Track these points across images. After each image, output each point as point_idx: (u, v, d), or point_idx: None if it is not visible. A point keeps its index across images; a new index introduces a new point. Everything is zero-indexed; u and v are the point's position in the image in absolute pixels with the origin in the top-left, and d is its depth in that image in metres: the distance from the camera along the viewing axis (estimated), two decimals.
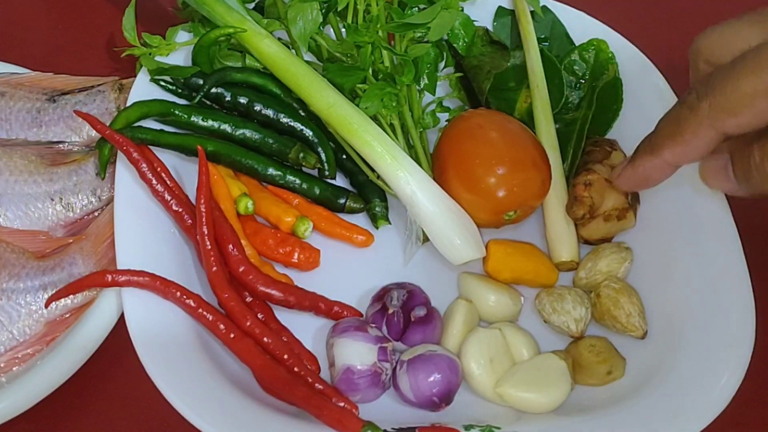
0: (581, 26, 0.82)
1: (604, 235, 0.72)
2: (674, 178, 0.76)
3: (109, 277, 0.65)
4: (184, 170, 0.74)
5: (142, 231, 0.69)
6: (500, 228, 0.73)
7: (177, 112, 0.74)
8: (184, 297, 0.65)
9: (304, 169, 0.76)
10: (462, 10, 0.79)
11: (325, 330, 0.68)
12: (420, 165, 0.72)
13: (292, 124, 0.75)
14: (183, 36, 0.78)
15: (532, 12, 0.81)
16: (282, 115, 0.76)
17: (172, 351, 0.63)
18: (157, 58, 0.77)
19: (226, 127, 0.74)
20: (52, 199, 0.75)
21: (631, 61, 0.80)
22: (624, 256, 0.71)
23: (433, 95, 0.79)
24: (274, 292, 0.68)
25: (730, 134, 0.55)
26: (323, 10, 0.74)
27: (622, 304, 0.68)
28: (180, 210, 0.69)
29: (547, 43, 0.82)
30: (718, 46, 0.60)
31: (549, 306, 0.69)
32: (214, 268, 0.67)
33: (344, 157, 0.77)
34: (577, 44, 0.81)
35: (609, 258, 0.71)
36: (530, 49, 0.77)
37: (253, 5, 0.79)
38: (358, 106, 0.72)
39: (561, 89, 0.78)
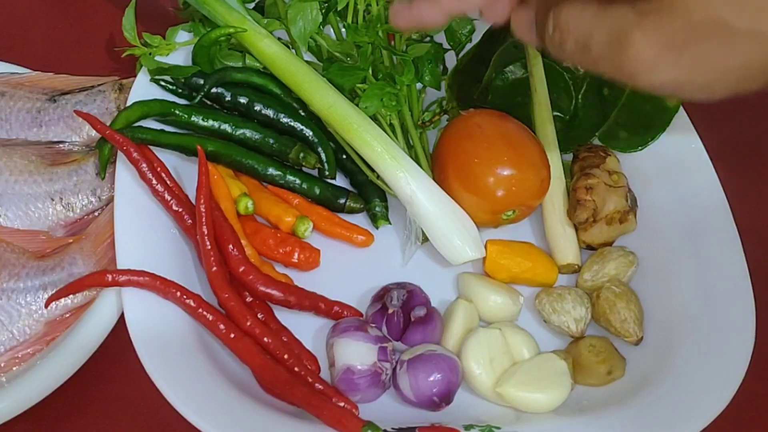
0: None
1: (606, 240, 0.72)
2: (674, 177, 0.76)
3: (109, 277, 0.65)
4: (184, 170, 0.74)
5: (142, 231, 0.69)
6: (499, 227, 0.73)
7: (177, 112, 0.74)
8: (184, 297, 0.65)
9: (304, 169, 0.76)
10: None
11: (325, 330, 0.68)
12: (420, 165, 0.72)
13: (292, 124, 0.75)
14: (183, 36, 0.78)
15: None
16: (282, 115, 0.76)
17: (172, 351, 0.63)
18: (157, 58, 0.77)
19: (226, 127, 0.75)
20: (52, 199, 0.75)
21: None
22: (631, 260, 0.71)
23: (438, 90, 0.78)
24: (274, 292, 0.68)
25: None
26: (323, 10, 0.74)
27: (618, 309, 0.68)
28: (180, 210, 0.69)
29: None
30: None
31: (549, 306, 0.69)
32: (214, 268, 0.67)
33: (344, 157, 0.77)
34: None
35: (617, 261, 0.71)
36: (530, 52, 0.77)
37: (253, 5, 0.79)
38: (358, 106, 0.72)
39: (569, 93, 0.78)
